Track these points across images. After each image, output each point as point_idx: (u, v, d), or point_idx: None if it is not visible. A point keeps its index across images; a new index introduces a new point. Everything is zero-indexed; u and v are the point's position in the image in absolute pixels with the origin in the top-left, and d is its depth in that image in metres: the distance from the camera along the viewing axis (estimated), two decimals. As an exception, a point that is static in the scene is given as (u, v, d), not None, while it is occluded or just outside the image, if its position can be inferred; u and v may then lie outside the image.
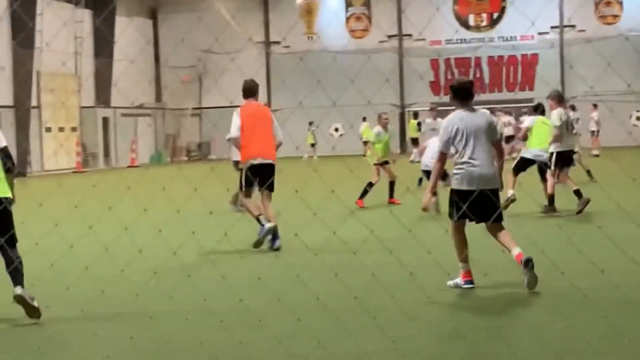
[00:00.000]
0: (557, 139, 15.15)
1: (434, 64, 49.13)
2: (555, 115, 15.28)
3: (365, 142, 36.73)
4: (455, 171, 9.08)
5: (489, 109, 35.26)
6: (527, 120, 16.86)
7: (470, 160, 8.96)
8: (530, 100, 45.12)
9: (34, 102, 38.80)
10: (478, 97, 49.72)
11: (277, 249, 11.93)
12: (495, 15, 48.62)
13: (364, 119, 39.78)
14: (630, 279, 8.69)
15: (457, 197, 8.91)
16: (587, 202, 14.93)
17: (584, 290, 7.83)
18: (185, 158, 50.57)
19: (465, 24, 48.67)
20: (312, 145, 42.80)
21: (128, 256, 10.04)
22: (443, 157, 9.17)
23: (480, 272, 8.85)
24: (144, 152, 46.24)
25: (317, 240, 11.03)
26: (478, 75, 49.27)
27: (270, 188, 12.33)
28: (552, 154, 15.23)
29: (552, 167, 15.14)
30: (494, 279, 9.01)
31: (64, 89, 41.12)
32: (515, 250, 8.80)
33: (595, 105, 36.85)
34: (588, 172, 22.13)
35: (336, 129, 48.14)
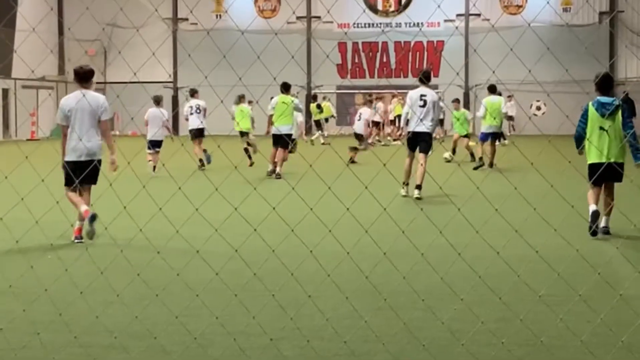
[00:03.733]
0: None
1: (342, 47, 49.33)
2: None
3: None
4: (68, 144, 10.72)
5: (396, 93, 34.95)
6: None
7: (79, 135, 10.61)
8: (435, 87, 45.75)
9: None
10: (387, 82, 49.40)
11: None
12: (404, 1, 49.07)
13: (272, 99, 39.57)
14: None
15: (68, 166, 10.47)
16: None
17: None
18: (88, 133, 49.67)
19: (373, 8, 49.01)
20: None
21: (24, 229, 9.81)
22: (65, 129, 10.81)
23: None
24: (45, 125, 45.23)
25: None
26: (385, 59, 49.67)
27: None
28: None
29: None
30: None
31: (-38, 57, 39.94)
32: (83, 207, 10.51)
33: (509, 96, 38.32)
34: (472, 154, 24.41)
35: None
